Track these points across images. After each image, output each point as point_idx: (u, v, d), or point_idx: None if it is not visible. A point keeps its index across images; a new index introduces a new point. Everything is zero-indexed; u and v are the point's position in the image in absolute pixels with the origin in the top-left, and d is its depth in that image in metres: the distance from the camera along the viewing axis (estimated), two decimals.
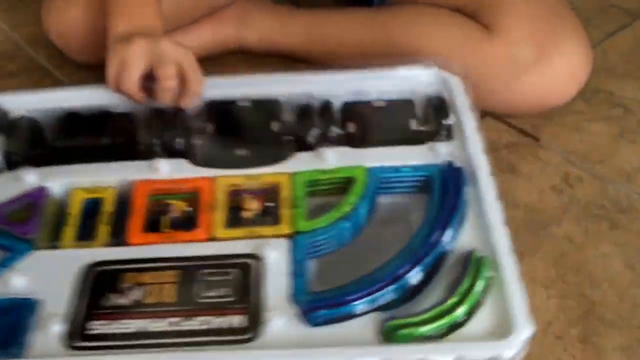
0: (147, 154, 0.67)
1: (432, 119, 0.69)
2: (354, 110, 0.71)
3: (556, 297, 0.67)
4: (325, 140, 0.68)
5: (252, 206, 0.62)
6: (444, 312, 0.53)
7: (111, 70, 0.70)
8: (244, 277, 0.56)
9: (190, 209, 0.62)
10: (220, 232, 0.60)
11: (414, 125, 0.69)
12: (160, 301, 0.55)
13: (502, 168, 0.79)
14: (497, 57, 0.79)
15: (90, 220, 0.62)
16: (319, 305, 0.53)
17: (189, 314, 0.54)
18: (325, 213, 0.61)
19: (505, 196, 0.76)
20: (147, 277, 0.57)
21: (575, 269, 0.69)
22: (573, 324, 0.64)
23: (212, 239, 0.60)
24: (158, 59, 0.69)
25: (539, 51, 0.78)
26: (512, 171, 0.80)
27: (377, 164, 0.65)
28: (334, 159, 0.66)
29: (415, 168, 0.65)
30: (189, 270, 0.57)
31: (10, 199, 0.63)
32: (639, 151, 0.83)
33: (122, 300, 0.55)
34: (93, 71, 0.92)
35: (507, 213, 0.75)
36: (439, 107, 0.70)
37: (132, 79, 0.69)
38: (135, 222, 0.61)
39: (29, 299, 0.55)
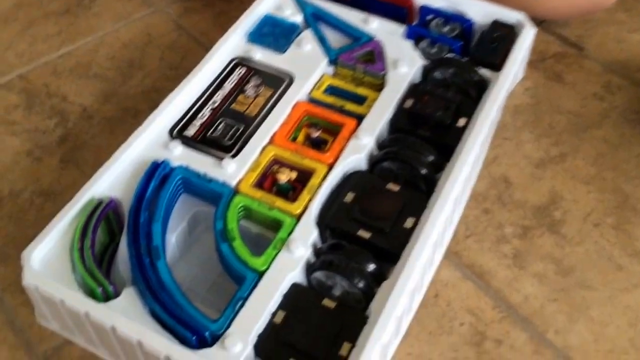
0: None
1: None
2: None
3: (595, 191, 0.77)
4: None
5: (282, 177, 0.63)
6: None
7: None
8: None
9: None
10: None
11: None
12: None
13: (549, 77, 0.88)
14: None
15: None
16: None
17: None
18: None
19: (551, 103, 0.86)
20: None
21: (612, 167, 0.79)
22: (609, 214, 0.75)
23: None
24: None
25: None
26: (558, 80, 0.89)
27: None
28: None
29: None
30: None
31: None
32: None
33: None
34: None
35: (552, 118, 0.86)
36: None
37: None
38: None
39: None
